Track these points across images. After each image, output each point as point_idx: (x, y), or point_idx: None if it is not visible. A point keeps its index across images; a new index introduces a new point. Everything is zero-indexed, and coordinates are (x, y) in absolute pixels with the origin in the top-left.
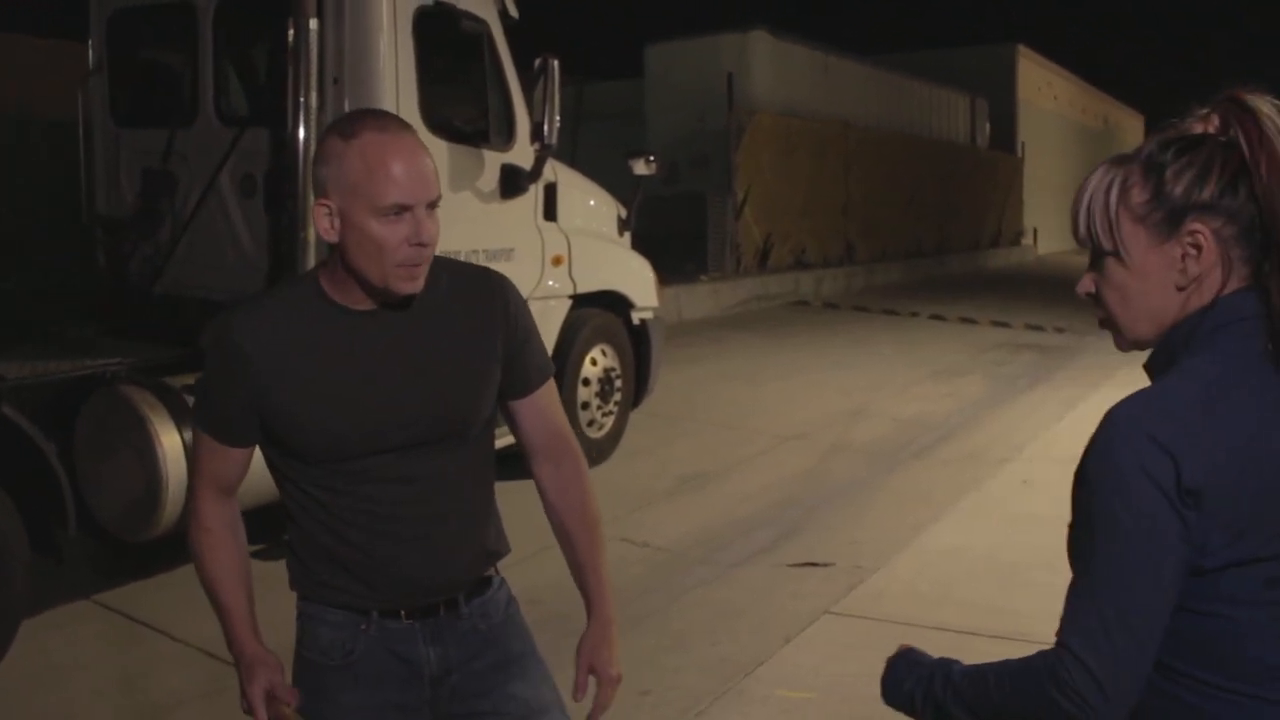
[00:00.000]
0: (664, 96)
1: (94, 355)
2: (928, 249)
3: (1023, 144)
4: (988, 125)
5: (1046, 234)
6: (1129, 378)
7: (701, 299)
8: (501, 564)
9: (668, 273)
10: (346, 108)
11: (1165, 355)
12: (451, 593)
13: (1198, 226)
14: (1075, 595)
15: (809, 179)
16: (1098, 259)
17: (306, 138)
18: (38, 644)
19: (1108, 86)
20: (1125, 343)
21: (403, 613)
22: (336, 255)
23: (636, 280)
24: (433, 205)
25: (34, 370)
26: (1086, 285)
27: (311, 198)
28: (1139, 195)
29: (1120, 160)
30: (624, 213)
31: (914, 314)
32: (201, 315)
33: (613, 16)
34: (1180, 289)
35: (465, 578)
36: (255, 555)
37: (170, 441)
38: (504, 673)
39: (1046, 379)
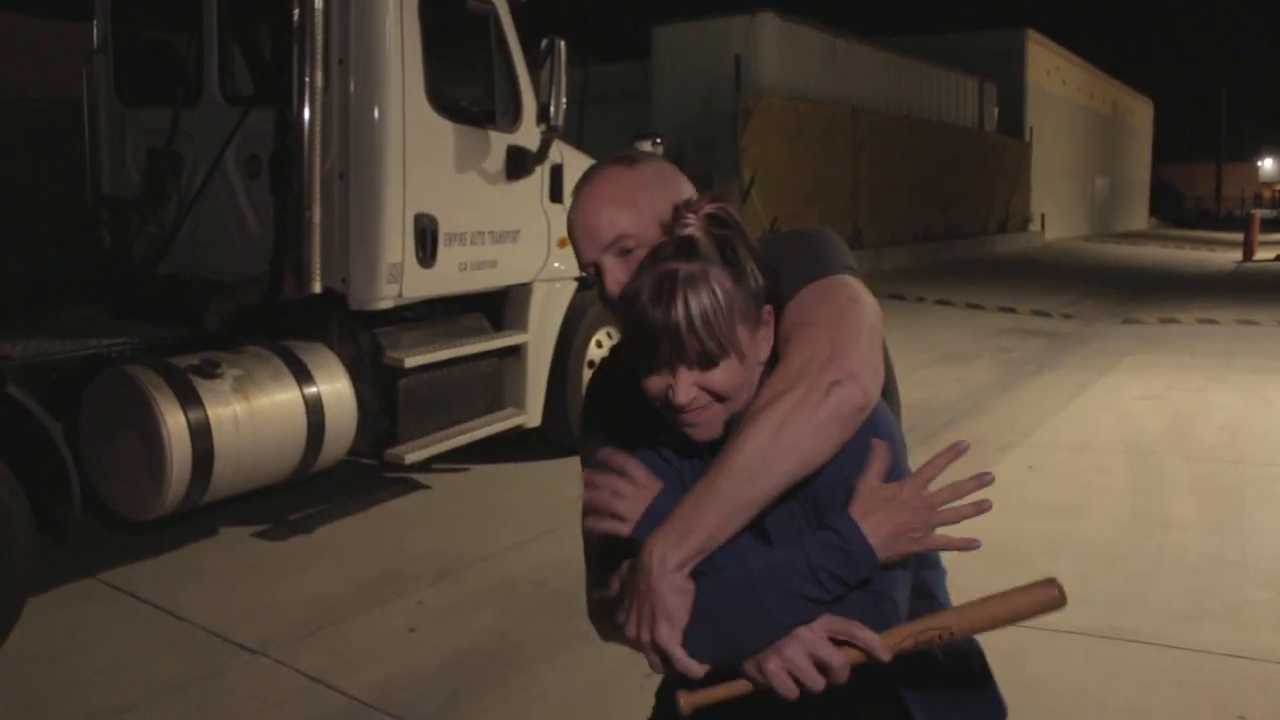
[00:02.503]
0: (671, 79)
1: (99, 336)
2: (935, 234)
3: (1031, 128)
4: (996, 109)
5: (1054, 219)
6: (1136, 364)
7: None
8: (506, 546)
9: None
10: (351, 88)
11: None
12: None
13: (768, 307)
14: None
15: (816, 163)
16: (709, 365)
17: (311, 118)
18: (43, 623)
19: (1117, 71)
20: (723, 427)
21: None
22: None
23: None
24: (623, 244)
25: (39, 351)
26: (689, 393)
27: (317, 177)
28: (738, 297)
29: (688, 270)
30: None
31: (921, 299)
32: (206, 296)
33: None
34: (763, 362)
35: None
36: (262, 537)
37: (175, 421)
38: None
39: (1054, 365)
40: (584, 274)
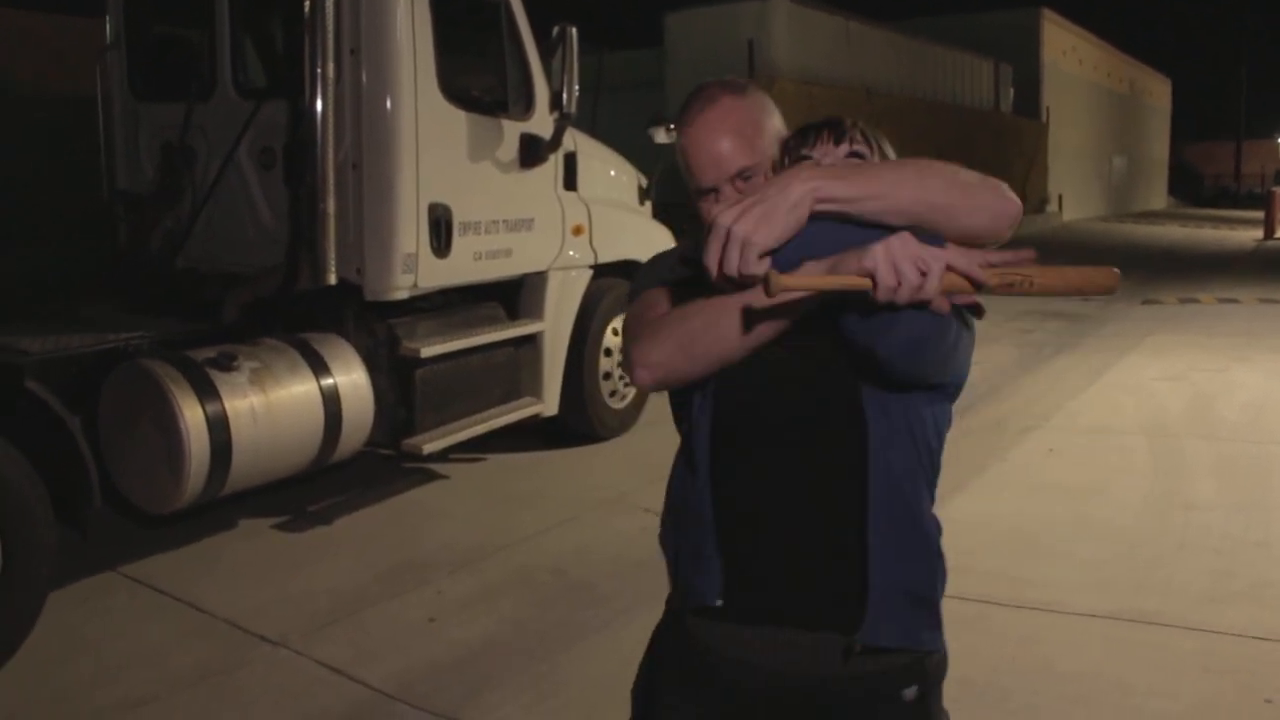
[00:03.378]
0: (684, 65)
1: (115, 330)
2: None
3: (1047, 109)
4: (1011, 90)
5: (1072, 200)
6: (1156, 345)
7: None
8: (524, 535)
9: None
10: (363, 78)
11: None
12: None
13: None
14: None
15: None
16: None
17: (324, 109)
18: (64, 616)
19: (1133, 50)
20: None
21: None
22: None
23: (658, 250)
24: (743, 174)
25: (58, 345)
26: (834, 159)
27: (331, 169)
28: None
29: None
30: (645, 182)
31: None
32: (222, 289)
33: None
34: None
35: None
36: (281, 528)
37: (193, 414)
38: None
39: (1073, 347)
40: (704, 192)
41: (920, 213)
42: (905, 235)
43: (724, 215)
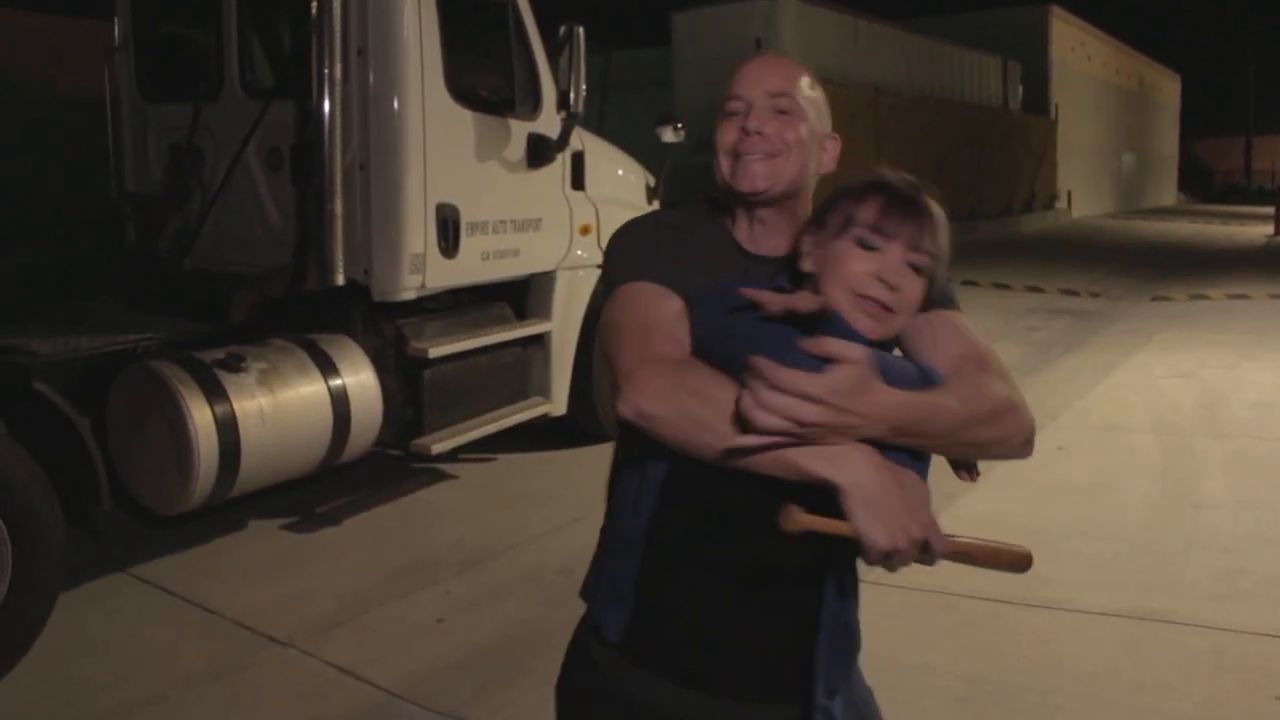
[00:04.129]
0: (692, 64)
1: (124, 331)
2: (960, 214)
3: (1056, 106)
4: (1020, 88)
5: (1081, 198)
6: (1165, 342)
7: None
8: (533, 534)
9: None
10: (371, 79)
11: None
12: None
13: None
14: None
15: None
16: (917, 270)
17: (331, 109)
18: (74, 617)
19: (1142, 46)
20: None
21: None
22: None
23: None
24: (780, 103)
25: (66, 347)
26: (901, 274)
27: (339, 169)
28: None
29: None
30: (652, 181)
31: (946, 279)
32: (230, 289)
33: None
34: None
35: None
36: (289, 528)
37: (201, 416)
38: None
39: (1082, 345)
40: (732, 111)
41: (958, 453)
42: (909, 524)
43: (812, 386)
